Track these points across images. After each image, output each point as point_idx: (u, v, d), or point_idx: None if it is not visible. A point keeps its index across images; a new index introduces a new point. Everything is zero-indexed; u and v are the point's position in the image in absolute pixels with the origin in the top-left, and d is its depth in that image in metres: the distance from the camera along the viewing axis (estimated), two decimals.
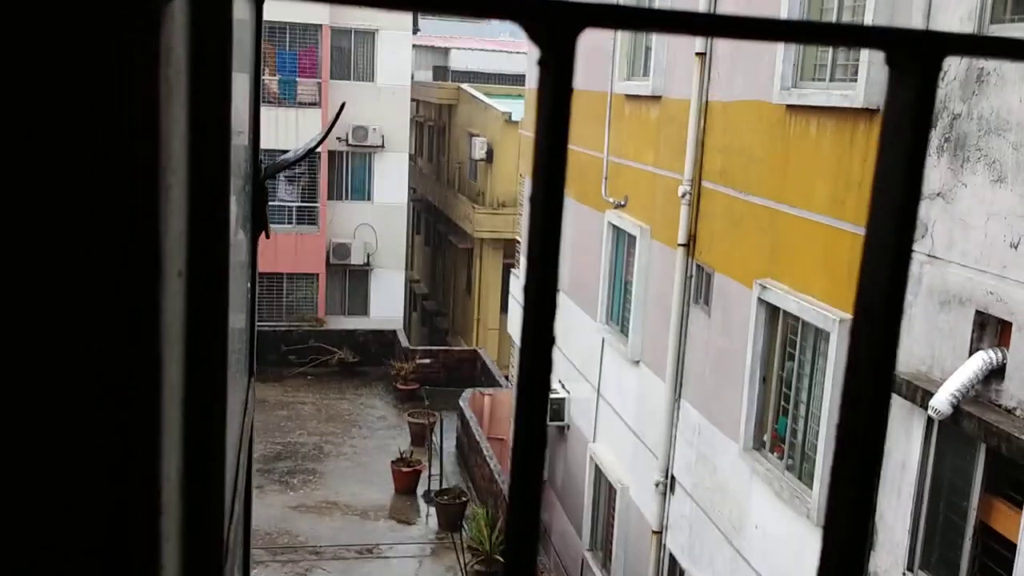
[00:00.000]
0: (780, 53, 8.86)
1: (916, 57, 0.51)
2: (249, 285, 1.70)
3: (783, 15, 8.76)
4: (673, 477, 11.25)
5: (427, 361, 23.12)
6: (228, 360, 0.93)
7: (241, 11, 1.23)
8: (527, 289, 0.47)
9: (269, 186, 1.96)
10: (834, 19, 8.32)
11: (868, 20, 7.55)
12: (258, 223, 1.67)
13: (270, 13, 24.09)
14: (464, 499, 16.79)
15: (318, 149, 24.98)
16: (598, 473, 13.63)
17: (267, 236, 1.73)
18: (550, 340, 0.49)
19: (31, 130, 0.49)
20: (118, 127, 0.49)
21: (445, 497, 16.71)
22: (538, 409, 0.50)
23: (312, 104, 25.27)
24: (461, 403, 19.36)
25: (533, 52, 0.51)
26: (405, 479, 17.60)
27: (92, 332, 0.53)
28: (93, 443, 0.55)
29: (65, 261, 0.52)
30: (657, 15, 0.52)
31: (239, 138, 1.32)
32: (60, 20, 0.47)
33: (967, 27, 6.57)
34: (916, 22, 7.00)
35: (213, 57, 0.62)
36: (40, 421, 0.54)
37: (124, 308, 0.53)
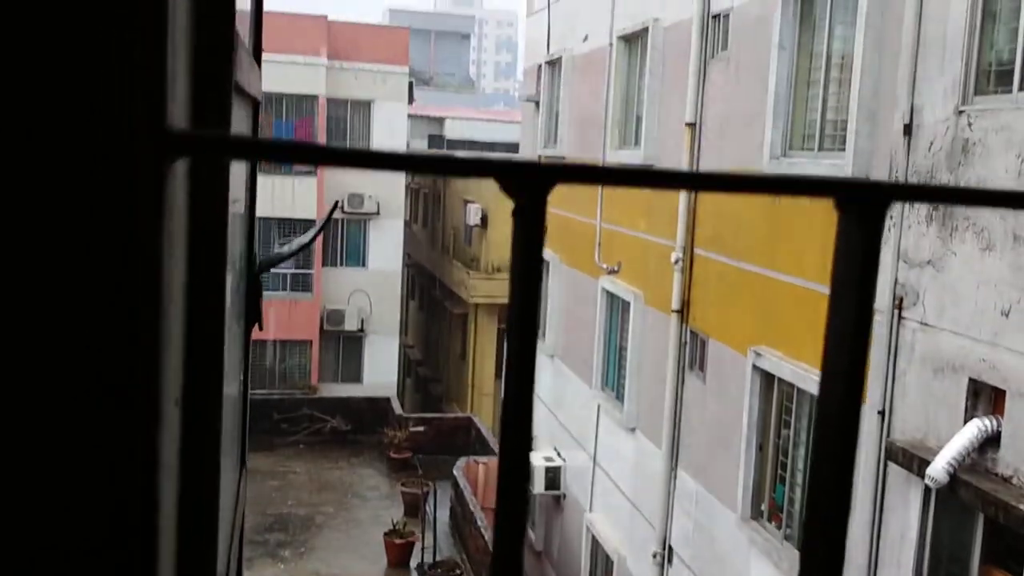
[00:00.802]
0: (769, 122, 9.01)
1: (863, 205, 0.54)
2: (242, 378, 1.71)
3: (771, 89, 8.93)
4: (671, 547, 11.11)
5: (420, 429, 22.94)
6: (220, 473, 0.94)
7: (239, 120, 1.26)
8: (503, 432, 0.48)
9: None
10: (820, 92, 8.47)
11: (854, 93, 7.69)
12: (252, 315, 1.69)
13: (266, 84, 24.42)
14: (458, 572, 16.53)
15: (313, 216, 25.13)
16: (595, 544, 13.45)
17: (260, 328, 1.74)
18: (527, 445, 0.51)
19: (44, 276, 0.51)
20: (122, 279, 0.51)
21: (439, 570, 16.45)
22: (519, 486, 0.51)
23: (308, 173, 25.49)
24: (455, 472, 19.16)
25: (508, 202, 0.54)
26: (398, 551, 17.34)
27: (88, 466, 0.54)
28: (85, 549, 0.56)
29: (65, 401, 0.53)
30: (620, 172, 0.55)
31: (233, 241, 1.35)
32: (68, 175, 0.50)
33: (951, 99, 6.70)
34: (902, 94, 7.14)
35: (211, 208, 0.65)
36: (32, 533, 0.54)
37: (124, 439, 0.55)
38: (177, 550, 0.74)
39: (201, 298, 0.69)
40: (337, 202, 3.84)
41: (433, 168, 0.55)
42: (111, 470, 0.55)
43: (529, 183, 0.52)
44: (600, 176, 0.58)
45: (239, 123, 1.27)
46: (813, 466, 0.59)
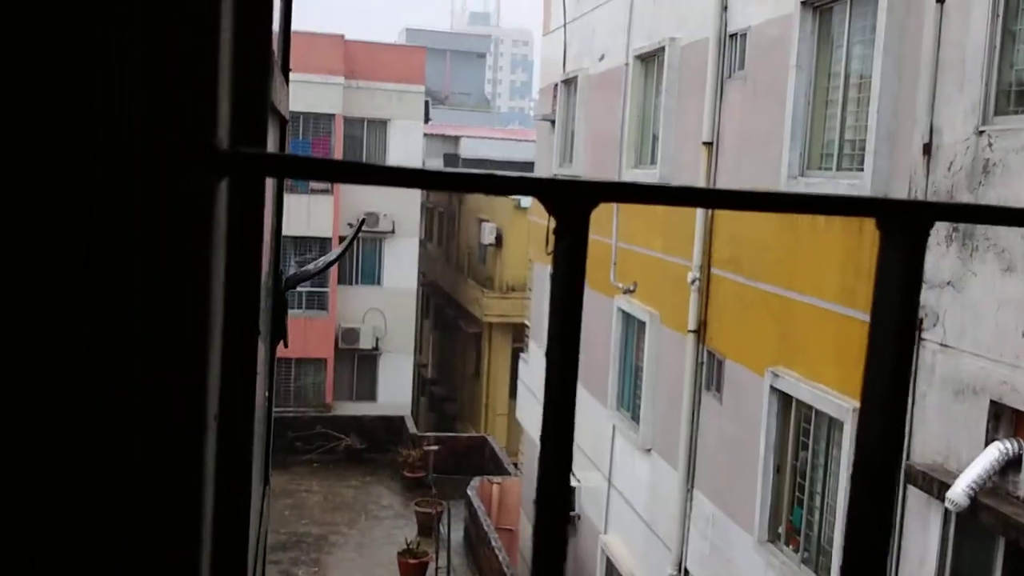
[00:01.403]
0: (787, 142, 9.00)
1: (905, 224, 0.54)
2: (267, 395, 1.71)
3: (788, 108, 8.92)
4: (687, 570, 11.02)
5: (435, 448, 22.90)
6: (251, 500, 0.94)
7: (270, 138, 1.27)
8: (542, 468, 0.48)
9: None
10: (838, 112, 8.46)
11: (872, 113, 7.68)
12: (278, 332, 1.70)
13: None
14: None
15: (329, 235, 25.23)
16: (609, 566, 13.37)
17: (285, 345, 1.75)
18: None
19: (96, 290, 0.52)
20: (173, 294, 0.52)
21: None
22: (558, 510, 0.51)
23: (324, 191, 25.62)
24: (469, 492, 19.11)
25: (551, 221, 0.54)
26: (412, 571, 17.28)
27: (136, 476, 0.54)
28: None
29: (116, 412, 0.53)
30: (663, 190, 0.55)
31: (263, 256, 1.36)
32: (123, 191, 0.51)
33: (971, 120, 6.68)
34: (921, 114, 7.12)
35: (247, 225, 0.66)
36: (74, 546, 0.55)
37: (169, 453, 0.55)
38: (212, 561, 0.74)
39: (237, 314, 0.69)
40: (363, 219, 3.86)
41: (474, 186, 0.55)
42: (157, 479, 0.55)
43: (572, 202, 0.52)
44: (643, 194, 0.57)
45: (270, 141, 1.28)
46: (852, 492, 0.57)
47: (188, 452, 0.55)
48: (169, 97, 0.49)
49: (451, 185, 0.55)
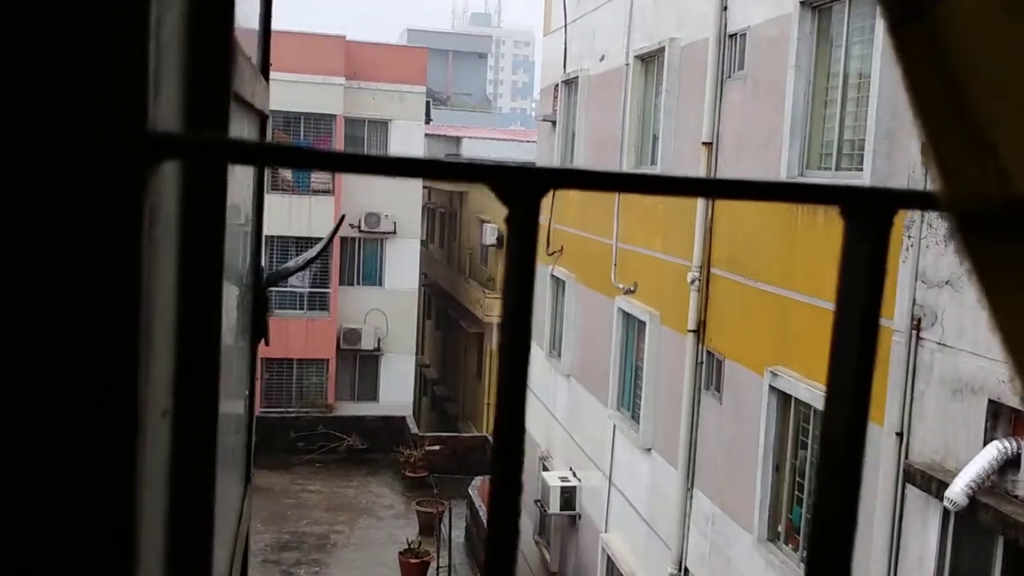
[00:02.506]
0: (786, 141, 8.99)
1: (869, 212, 0.53)
2: (247, 393, 1.70)
3: (787, 108, 8.91)
4: (687, 569, 11.02)
5: (436, 448, 22.91)
6: (214, 501, 0.93)
7: (242, 131, 1.26)
8: (495, 456, 0.47)
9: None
10: (837, 112, 8.45)
11: (872, 112, 7.67)
12: (258, 331, 1.69)
13: (285, 103, 24.61)
14: None
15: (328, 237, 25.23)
16: (610, 564, 13.36)
17: (266, 343, 1.74)
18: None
19: (13, 276, 0.49)
20: (97, 288, 0.50)
21: None
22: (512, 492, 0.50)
23: (325, 192, 25.63)
24: (470, 491, 19.12)
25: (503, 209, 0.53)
26: (413, 571, 17.28)
27: (66, 485, 0.52)
28: None
29: (36, 405, 0.51)
30: (617, 177, 0.54)
31: (238, 256, 1.34)
32: (40, 175, 0.48)
33: None
34: None
35: (206, 214, 0.64)
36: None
37: (101, 447, 0.52)
38: (167, 562, 0.73)
39: (195, 309, 0.68)
40: (343, 216, 3.84)
41: (425, 171, 0.54)
42: (87, 476, 0.53)
43: (522, 188, 0.51)
44: (595, 181, 0.56)
45: (243, 134, 1.27)
46: (818, 488, 0.57)
47: (120, 446, 0.53)
48: (91, 74, 0.47)
49: (398, 171, 0.54)
